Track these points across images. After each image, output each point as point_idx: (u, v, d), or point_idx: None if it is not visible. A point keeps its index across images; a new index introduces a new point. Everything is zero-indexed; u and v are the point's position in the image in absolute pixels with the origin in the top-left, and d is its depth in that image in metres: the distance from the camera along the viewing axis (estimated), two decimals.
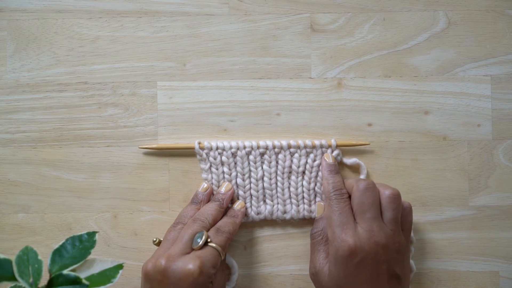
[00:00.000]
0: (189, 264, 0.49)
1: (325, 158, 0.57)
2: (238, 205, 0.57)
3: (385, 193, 0.52)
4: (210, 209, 0.55)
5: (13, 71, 0.59)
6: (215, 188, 0.58)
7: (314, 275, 0.54)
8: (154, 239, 0.55)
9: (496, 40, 0.59)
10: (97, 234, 0.50)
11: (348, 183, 0.55)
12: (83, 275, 0.46)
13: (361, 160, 0.59)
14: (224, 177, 0.58)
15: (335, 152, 0.58)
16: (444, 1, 0.59)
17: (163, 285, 0.50)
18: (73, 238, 0.49)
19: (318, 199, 0.58)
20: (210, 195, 0.58)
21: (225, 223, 0.55)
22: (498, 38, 0.59)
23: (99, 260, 0.49)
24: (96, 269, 0.48)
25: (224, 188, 0.57)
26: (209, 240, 0.51)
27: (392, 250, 0.51)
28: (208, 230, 0.53)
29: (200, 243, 0.51)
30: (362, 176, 0.58)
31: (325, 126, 0.59)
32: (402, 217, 0.53)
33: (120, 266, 0.49)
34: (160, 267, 0.50)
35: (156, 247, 0.55)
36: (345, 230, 0.51)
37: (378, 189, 0.53)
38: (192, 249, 0.51)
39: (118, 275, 0.48)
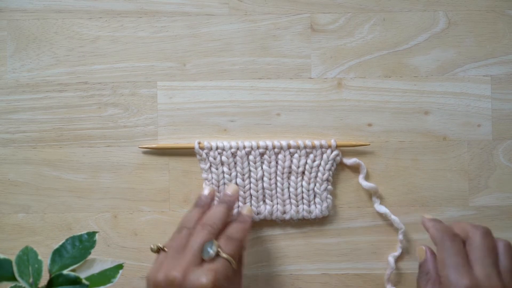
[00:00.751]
0: (203, 278, 0.46)
1: (425, 217, 0.54)
2: (246, 210, 0.55)
3: (502, 241, 0.50)
4: (219, 212, 0.52)
5: (13, 71, 0.59)
6: (214, 188, 0.58)
7: None
8: (152, 246, 0.51)
9: (496, 40, 0.59)
10: (97, 234, 0.50)
11: (461, 226, 0.51)
12: (83, 275, 0.47)
13: (361, 160, 0.59)
14: (224, 177, 0.58)
15: (335, 153, 0.58)
16: (444, 1, 0.59)
17: None
18: (73, 238, 0.49)
19: (317, 199, 0.58)
20: (213, 197, 0.56)
21: (236, 229, 0.52)
22: (498, 38, 0.59)
23: (99, 260, 0.49)
24: (96, 269, 0.48)
25: (231, 189, 0.55)
26: (219, 249, 0.49)
27: None
28: (217, 238, 0.50)
29: (212, 254, 0.48)
30: (361, 176, 0.58)
31: (325, 126, 0.59)
32: None
33: (120, 266, 0.49)
34: (174, 280, 0.47)
35: (154, 254, 0.52)
36: (461, 273, 0.47)
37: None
38: (203, 260, 0.48)
39: (118, 275, 0.48)
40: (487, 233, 0.49)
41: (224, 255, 0.48)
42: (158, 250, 0.51)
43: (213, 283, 0.46)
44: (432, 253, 0.52)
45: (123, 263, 0.49)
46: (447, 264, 0.48)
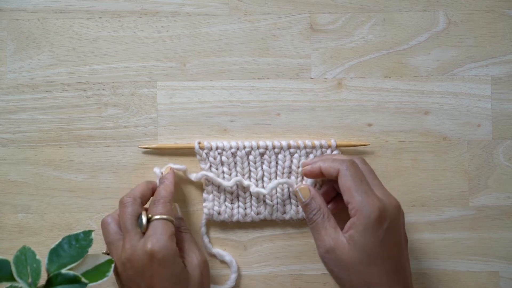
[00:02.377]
0: (147, 244, 0.49)
1: (305, 162, 0.57)
2: (164, 170, 0.57)
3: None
4: (136, 187, 0.55)
5: (13, 71, 0.59)
6: (215, 187, 0.58)
7: (329, 253, 0.50)
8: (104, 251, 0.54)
9: (496, 40, 0.59)
10: (93, 233, 0.50)
11: (340, 157, 0.55)
12: (79, 272, 0.47)
13: None
14: (224, 177, 0.58)
15: (335, 153, 0.58)
16: (444, 1, 0.59)
17: (143, 272, 0.50)
18: (69, 237, 0.49)
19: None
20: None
21: (158, 191, 0.54)
22: (498, 38, 0.59)
23: (92, 255, 0.49)
24: (90, 265, 0.49)
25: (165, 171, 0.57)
26: (149, 215, 0.51)
27: (402, 213, 0.52)
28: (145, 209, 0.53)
29: (144, 222, 0.51)
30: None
31: (325, 126, 0.59)
32: None
33: (111, 261, 0.49)
34: (126, 262, 0.50)
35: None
36: (371, 197, 0.49)
37: None
38: (143, 233, 0.51)
39: (111, 269, 0.48)
40: (364, 160, 0.54)
41: (156, 217, 0.51)
42: (108, 253, 0.53)
43: (155, 244, 0.49)
44: (316, 190, 0.54)
45: (113, 259, 0.50)
46: (357, 190, 0.50)
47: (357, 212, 0.49)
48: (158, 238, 0.49)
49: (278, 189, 0.58)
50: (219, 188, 0.58)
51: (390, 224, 0.49)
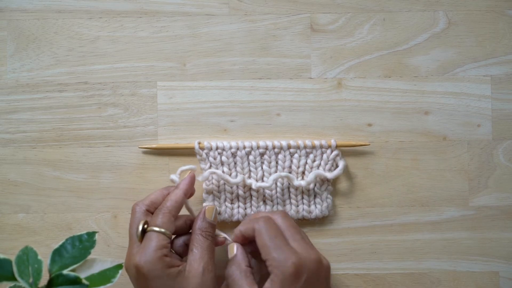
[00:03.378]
0: (135, 257, 0.49)
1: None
2: (180, 175, 0.56)
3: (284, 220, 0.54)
4: (152, 194, 0.54)
5: (13, 71, 0.59)
6: (214, 188, 0.58)
7: None
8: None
9: (496, 40, 0.59)
10: (97, 234, 0.50)
11: (260, 215, 0.54)
12: (83, 275, 0.47)
13: (361, 160, 0.59)
14: (224, 182, 0.58)
15: (335, 152, 0.58)
16: (444, 1, 0.59)
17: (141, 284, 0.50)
18: (73, 238, 0.49)
19: (317, 199, 0.58)
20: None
21: (166, 200, 0.53)
22: (498, 38, 0.59)
23: (99, 260, 0.49)
24: (96, 269, 0.48)
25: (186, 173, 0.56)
26: (145, 225, 0.51)
27: (326, 268, 0.52)
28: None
29: (138, 233, 0.50)
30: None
31: (325, 126, 0.59)
32: None
33: (120, 266, 0.49)
34: (128, 270, 0.50)
35: None
36: (286, 252, 0.49)
37: None
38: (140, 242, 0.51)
39: (118, 275, 0.48)
40: (285, 214, 0.55)
41: (154, 228, 0.50)
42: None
43: (141, 259, 0.49)
44: (241, 247, 0.53)
45: (122, 263, 0.49)
46: (271, 247, 0.50)
47: (273, 269, 0.49)
48: (145, 252, 0.49)
49: (278, 190, 0.58)
50: (219, 188, 0.58)
51: (307, 280, 0.49)
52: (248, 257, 0.54)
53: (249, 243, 0.54)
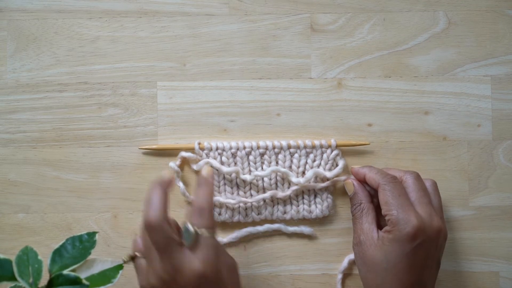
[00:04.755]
0: (194, 264, 0.45)
1: (354, 167, 0.57)
2: (205, 171, 0.49)
3: (429, 181, 0.55)
4: (151, 198, 0.47)
5: (13, 71, 0.59)
6: (215, 188, 0.58)
7: (357, 245, 0.53)
8: (124, 258, 0.50)
9: (496, 40, 0.59)
10: (97, 234, 0.50)
11: (393, 171, 0.55)
12: (83, 275, 0.47)
13: (361, 160, 0.59)
14: (224, 177, 0.58)
15: (335, 152, 0.58)
16: (444, 1, 0.59)
17: None
18: (73, 238, 0.49)
19: (318, 199, 0.58)
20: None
21: (202, 197, 0.47)
22: (498, 38, 0.59)
23: (99, 260, 0.49)
24: (96, 269, 0.48)
25: (205, 171, 0.49)
26: (195, 228, 0.46)
27: (444, 237, 0.52)
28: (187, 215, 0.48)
29: (192, 234, 0.45)
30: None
31: (325, 126, 0.59)
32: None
33: (120, 267, 0.49)
34: (167, 280, 0.46)
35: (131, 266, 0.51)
36: (408, 213, 0.50)
37: None
38: (189, 247, 0.46)
39: (118, 275, 0.48)
40: (418, 176, 0.54)
41: (203, 231, 0.46)
42: (132, 258, 0.50)
43: (207, 267, 0.45)
44: (360, 185, 0.56)
45: (123, 264, 0.49)
46: (394, 205, 0.51)
47: (392, 225, 0.50)
48: (209, 259, 0.46)
49: (279, 190, 0.58)
50: (219, 188, 0.58)
51: (422, 243, 0.50)
52: (370, 192, 0.55)
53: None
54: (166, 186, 0.48)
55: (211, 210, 0.47)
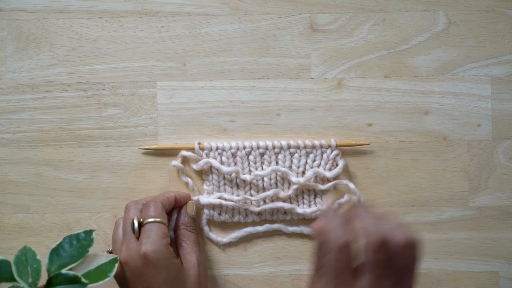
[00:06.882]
0: (141, 247, 0.50)
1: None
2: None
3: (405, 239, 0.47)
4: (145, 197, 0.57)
5: (13, 71, 0.59)
6: (215, 188, 0.58)
7: None
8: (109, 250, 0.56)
9: (496, 40, 0.59)
10: (94, 232, 0.50)
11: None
12: (80, 272, 0.47)
13: (361, 160, 0.59)
14: (224, 177, 0.58)
15: (335, 152, 0.58)
16: (444, 1, 0.59)
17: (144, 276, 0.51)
18: (70, 237, 0.49)
19: (318, 199, 0.58)
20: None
21: (158, 195, 0.56)
22: (498, 38, 0.59)
23: (94, 255, 0.49)
24: (92, 265, 0.48)
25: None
26: (140, 220, 0.52)
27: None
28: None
29: (135, 227, 0.52)
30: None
31: (325, 126, 0.59)
32: None
33: (115, 260, 0.49)
34: (125, 265, 0.51)
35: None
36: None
37: None
38: (137, 237, 0.52)
39: (115, 269, 0.48)
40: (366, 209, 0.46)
41: (148, 220, 0.52)
42: (110, 252, 0.55)
43: (149, 248, 0.50)
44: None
45: (117, 256, 0.50)
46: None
47: None
48: (151, 242, 0.50)
49: (279, 190, 0.58)
50: (220, 188, 0.58)
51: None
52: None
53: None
54: (172, 200, 0.56)
55: (156, 204, 0.53)
